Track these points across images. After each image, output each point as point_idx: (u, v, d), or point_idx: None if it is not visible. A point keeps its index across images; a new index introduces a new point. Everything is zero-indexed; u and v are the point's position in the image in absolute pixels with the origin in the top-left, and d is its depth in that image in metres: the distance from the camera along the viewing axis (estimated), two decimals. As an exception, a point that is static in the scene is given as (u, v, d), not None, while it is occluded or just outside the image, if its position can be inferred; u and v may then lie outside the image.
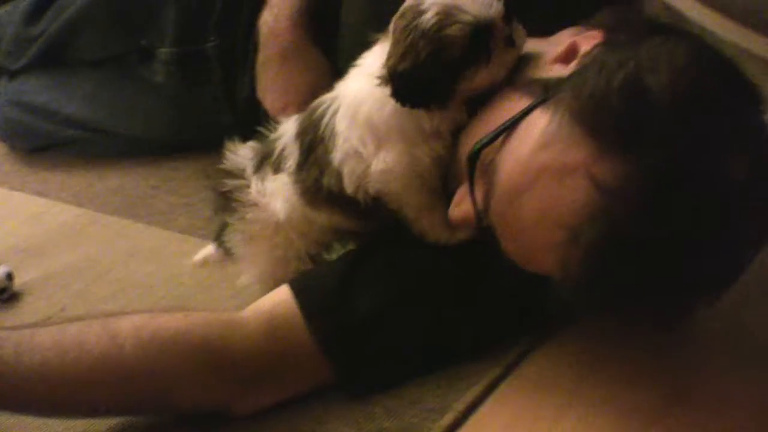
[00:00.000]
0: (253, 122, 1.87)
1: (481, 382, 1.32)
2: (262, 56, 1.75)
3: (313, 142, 1.33)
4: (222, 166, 1.47)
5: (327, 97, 1.35)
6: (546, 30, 1.30)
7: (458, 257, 1.31)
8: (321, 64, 1.73)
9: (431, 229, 1.31)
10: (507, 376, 1.35)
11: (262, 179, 1.41)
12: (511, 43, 1.19)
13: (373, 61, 1.27)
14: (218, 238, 1.51)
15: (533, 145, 1.11)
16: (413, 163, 1.26)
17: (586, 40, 1.18)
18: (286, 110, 1.69)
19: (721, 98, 1.05)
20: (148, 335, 1.21)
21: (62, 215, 1.96)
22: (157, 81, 2.06)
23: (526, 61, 1.23)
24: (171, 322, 1.24)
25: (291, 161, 1.37)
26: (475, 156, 1.17)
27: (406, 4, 1.20)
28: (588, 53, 1.14)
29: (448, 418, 1.26)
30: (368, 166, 1.27)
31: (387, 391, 1.31)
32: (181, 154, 2.16)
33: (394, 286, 1.32)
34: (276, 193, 1.40)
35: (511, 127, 1.15)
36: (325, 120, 1.31)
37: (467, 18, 1.14)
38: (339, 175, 1.30)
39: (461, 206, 1.23)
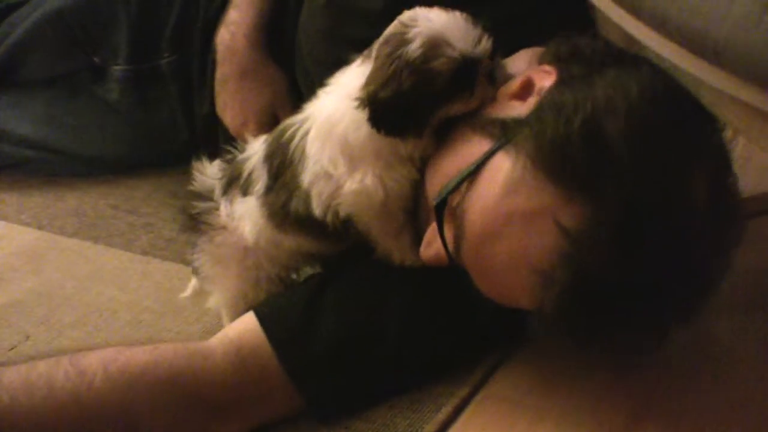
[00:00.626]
0: (211, 139, 1.88)
1: (450, 402, 1.33)
2: (220, 74, 1.75)
3: (282, 166, 1.33)
4: (191, 188, 1.46)
5: (297, 118, 1.34)
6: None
7: (422, 278, 1.32)
8: (279, 80, 1.73)
9: (399, 251, 1.32)
10: (475, 395, 1.36)
11: (231, 201, 1.41)
12: (492, 80, 1.20)
13: (350, 81, 1.26)
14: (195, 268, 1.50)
15: (499, 190, 1.11)
16: (388, 185, 1.26)
17: (540, 75, 1.18)
18: (245, 127, 1.70)
19: (675, 129, 1.07)
20: (116, 370, 1.21)
21: (21, 238, 1.94)
22: (111, 99, 2.04)
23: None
24: (139, 356, 1.23)
25: (259, 184, 1.37)
26: (442, 203, 1.18)
27: (390, 30, 1.20)
28: (545, 92, 1.14)
29: (420, 442, 1.26)
30: (339, 188, 1.27)
31: (358, 414, 1.32)
32: (138, 172, 2.15)
33: (359, 310, 1.33)
34: (245, 216, 1.39)
35: (474, 172, 1.15)
36: (295, 142, 1.31)
37: (454, 53, 1.15)
38: (307, 198, 1.30)
39: (432, 246, 1.24)
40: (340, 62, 1.33)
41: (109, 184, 2.13)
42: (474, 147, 1.17)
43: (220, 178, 1.43)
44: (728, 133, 1.20)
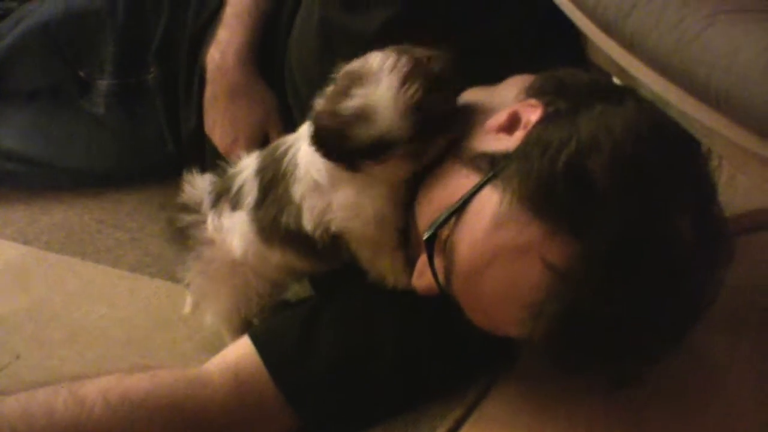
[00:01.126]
0: (198, 153, 1.88)
1: (444, 424, 1.35)
2: (209, 92, 1.75)
3: (274, 180, 1.35)
4: (179, 200, 1.47)
5: (291, 136, 1.37)
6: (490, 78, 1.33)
7: (416, 299, 1.33)
8: (269, 99, 1.74)
9: (392, 273, 1.33)
10: (469, 416, 1.37)
11: (219, 215, 1.42)
12: (415, 158, 1.21)
13: None
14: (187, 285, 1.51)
15: (487, 225, 1.13)
16: (370, 203, 1.27)
17: (526, 109, 1.19)
18: (235, 144, 1.70)
19: (660, 164, 1.08)
20: (116, 398, 1.22)
21: (8, 254, 1.93)
22: (97, 113, 2.03)
23: (470, 125, 1.25)
24: (138, 384, 1.24)
25: (250, 198, 1.38)
26: (432, 237, 1.19)
27: (356, 66, 1.21)
28: (531, 128, 1.15)
29: (416, 463, 1.28)
30: (329, 204, 1.28)
31: (354, 433, 1.33)
32: (124, 185, 2.14)
33: (354, 332, 1.35)
34: (233, 230, 1.40)
35: (462, 206, 1.16)
36: (288, 157, 1.33)
37: (372, 131, 1.17)
38: (298, 213, 1.31)
39: (424, 277, 1.25)
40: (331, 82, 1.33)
41: (95, 198, 2.11)
42: (462, 180, 1.18)
43: (210, 192, 1.45)
44: (713, 158, 1.22)
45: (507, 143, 1.16)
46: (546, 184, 1.07)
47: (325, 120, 1.20)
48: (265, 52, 1.74)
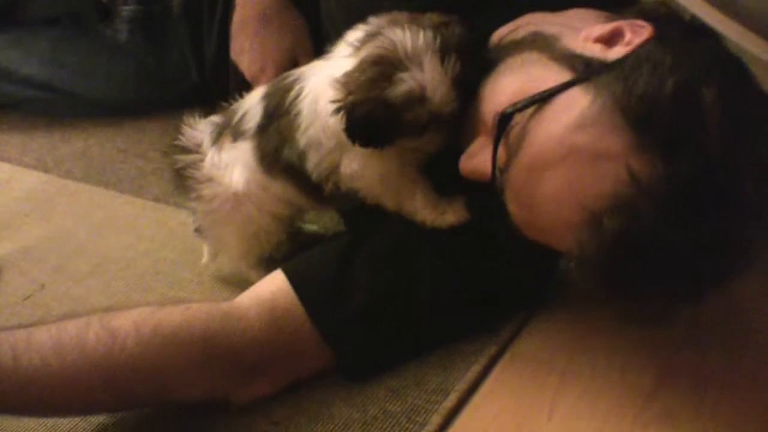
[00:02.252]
0: (221, 81, 1.84)
1: (479, 361, 1.34)
2: (238, 17, 1.70)
3: (278, 109, 1.33)
4: (177, 142, 1.45)
5: (300, 70, 1.35)
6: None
7: (451, 236, 1.31)
8: (300, 26, 1.69)
9: (419, 213, 1.31)
10: (504, 353, 1.37)
11: (220, 150, 1.40)
12: (451, 128, 1.24)
13: (336, 61, 1.26)
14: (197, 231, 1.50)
15: (569, 122, 1.10)
16: (379, 165, 1.27)
17: (632, 28, 1.16)
18: (263, 73, 1.67)
19: (759, 121, 1.07)
20: (148, 331, 1.20)
21: (28, 182, 1.91)
22: (120, 40, 2.00)
23: (552, 33, 1.22)
24: (171, 317, 1.22)
25: (253, 123, 1.36)
26: (508, 117, 1.15)
27: (380, 51, 1.20)
28: (641, 44, 1.12)
29: (451, 400, 1.28)
30: (336, 164, 1.29)
31: (389, 372, 1.33)
32: (145, 114, 2.11)
33: (390, 268, 1.33)
34: (234, 162, 1.39)
35: (548, 97, 1.13)
36: (293, 93, 1.31)
37: (425, 111, 1.18)
38: (302, 155, 1.30)
39: (474, 159, 1.22)
40: (368, 9, 1.31)
41: (116, 127, 2.09)
42: (551, 73, 1.15)
43: (211, 130, 1.43)
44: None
45: (605, 54, 1.13)
46: (651, 100, 1.04)
47: (369, 109, 1.18)
48: None
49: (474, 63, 1.21)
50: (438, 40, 1.18)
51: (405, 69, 1.17)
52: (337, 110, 1.20)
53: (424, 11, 1.25)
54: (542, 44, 1.20)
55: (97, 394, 1.19)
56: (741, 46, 1.02)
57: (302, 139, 1.30)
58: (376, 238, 1.34)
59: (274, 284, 1.30)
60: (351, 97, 1.19)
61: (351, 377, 1.31)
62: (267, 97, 1.37)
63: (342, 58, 1.26)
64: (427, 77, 1.17)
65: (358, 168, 1.28)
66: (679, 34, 1.13)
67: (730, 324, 1.40)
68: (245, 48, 1.70)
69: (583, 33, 1.18)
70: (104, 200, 1.84)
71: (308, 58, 1.66)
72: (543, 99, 1.13)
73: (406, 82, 1.17)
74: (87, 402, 1.20)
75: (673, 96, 1.03)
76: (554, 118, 1.11)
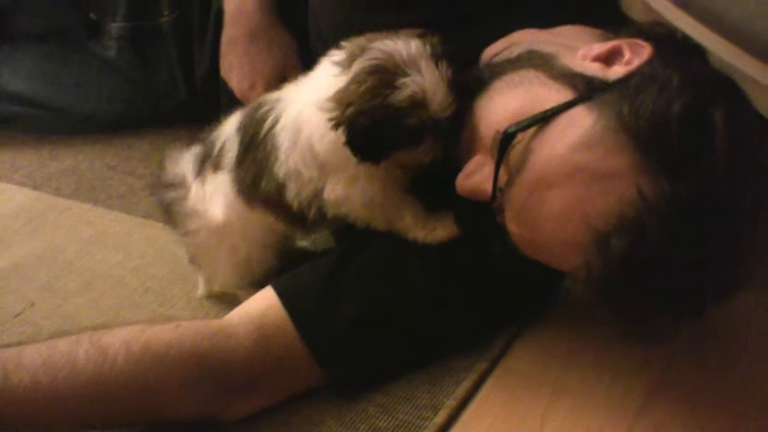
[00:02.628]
0: (210, 99, 1.85)
1: (469, 377, 1.34)
2: (227, 35, 1.71)
3: (254, 140, 1.35)
4: (161, 179, 1.47)
5: (271, 97, 1.36)
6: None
7: (441, 252, 1.32)
8: (289, 43, 1.70)
9: (407, 232, 1.33)
10: (494, 369, 1.37)
11: (203, 182, 1.42)
12: (444, 137, 1.25)
13: (321, 86, 1.26)
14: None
15: (573, 142, 1.11)
16: (364, 188, 1.29)
17: (632, 48, 1.17)
18: (252, 90, 1.68)
19: (757, 138, 1.09)
20: (139, 349, 1.20)
21: (17, 199, 1.91)
22: (109, 56, 2.00)
23: (549, 51, 1.23)
24: (161, 335, 1.22)
25: (230, 155, 1.38)
26: (510, 137, 1.16)
27: (376, 62, 1.21)
28: (643, 64, 1.14)
29: (441, 416, 1.27)
30: (318, 190, 1.30)
31: (378, 388, 1.32)
32: (135, 131, 2.12)
33: (379, 285, 1.32)
34: (215, 193, 1.41)
35: (551, 116, 1.14)
36: (268, 123, 1.32)
37: (427, 115, 1.20)
38: (281, 186, 1.32)
39: (473, 178, 1.23)
40: (359, 25, 1.32)
41: (105, 143, 2.09)
42: (552, 92, 1.16)
43: (194, 163, 1.44)
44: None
45: (604, 72, 1.15)
46: (660, 122, 1.05)
47: (374, 117, 1.19)
48: None
49: (462, 70, 1.24)
50: (428, 48, 1.20)
51: (405, 74, 1.18)
52: (336, 125, 1.21)
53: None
54: (540, 63, 1.21)
55: (87, 412, 1.19)
56: (732, 65, 1.03)
57: (280, 171, 1.31)
58: (366, 254, 1.34)
59: (264, 301, 1.30)
60: (351, 109, 1.20)
61: (341, 394, 1.30)
62: (242, 128, 1.38)
63: (325, 80, 1.27)
64: (427, 81, 1.19)
65: (343, 193, 1.29)
66: (678, 54, 1.14)
67: (721, 339, 1.40)
68: (234, 65, 1.71)
69: (581, 51, 1.19)
70: (94, 217, 1.83)
71: (297, 74, 1.67)
72: (546, 118, 1.14)
73: (409, 87, 1.18)
74: (77, 420, 1.20)
75: (681, 117, 1.04)
76: (558, 137, 1.12)
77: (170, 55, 1.96)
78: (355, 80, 1.21)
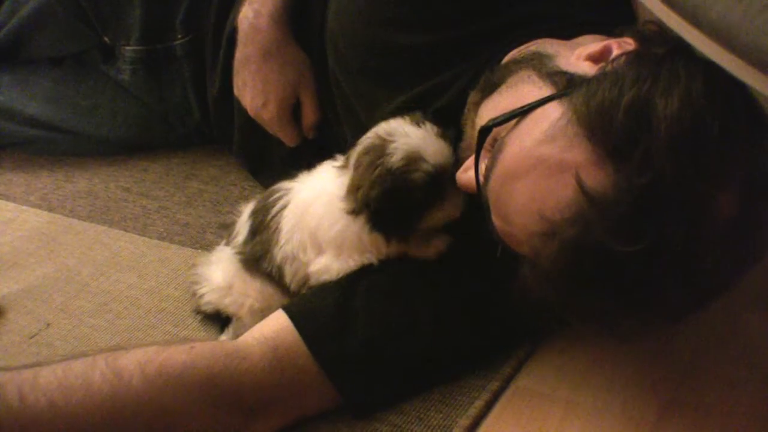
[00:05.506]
0: (223, 121, 1.86)
1: (482, 397, 1.34)
2: (240, 53, 1.73)
3: (261, 225, 1.41)
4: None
5: (284, 185, 1.42)
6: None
7: (452, 272, 1.33)
8: (302, 61, 1.72)
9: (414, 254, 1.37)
10: (506, 388, 1.37)
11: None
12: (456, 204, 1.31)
13: (328, 181, 1.37)
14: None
15: (539, 135, 1.13)
16: (348, 266, 1.34)
17: (620, 46, 1.19)
18: (265, 108, 1.69)
19: (724, 132, 1.05)
20: (153, 371, 1.21)
21: (32, 221, 1.92)
22: (123, 79, 2.01)
23: (549, 52, 1.26)
24: (176, 356, 1.23)
25: (240, 238, 1.46)
26: (486, 131, 1.20)
27: (369, 142, 1.30)
28: (612, 61, 1.15)
29: (454, 436, 1.27)
30: (305, 266, 1.37)
31: (391, 408, 1.33)
32: (149, 153, 2.13)
33: (391, 305, 1.34)
34: (218, 261, 1.48)
35: (525, 112, 1.16)
36: (276, 208, 1.39)
37: (428, 167, 1.26)
38: (279, 270, 1.39)
39: (468, 173, 1.25)
40: (375, 44, 1.38)
41: (119, 166, 2.11)
42: (535, 90, 1.19)
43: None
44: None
45: (590, 70, 1.17)
46: (606, 111, 1.06)
47: (381, 186, 1.26)
48: (301, 15, 1.71)
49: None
50: (407, 119, 1.31)
51: (393, 141, 1.26)
52: (356, 213, 1.29)
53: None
54: (536, 63, 1.24)
55: (104, 434, 1.20)
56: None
57: (278, 255, 1.38)
58: (376, 275, 1.35)
59: (278, 323, 1.31)
60: (361, 190, 1.27)
61: (354, 413, 1.31)
62: (254, 213, 1.45)
63: (330, 170, 1.37)
64: (414, 138, 1.27)
65: (327, 265, 1.36)
66: (662, 53, 1.13)
67: (733, 359, 1.40)
68: (247, 83, 1.72)
69: (577, 51, 1.22)
70: (108, 239, 1.84)
71: (310, 92, 1.70)
72: (522, 113, 1.17)
73: (399, 148, 1.26)
74: (94, 441, 1.20)
75: (627, 107, 1.05)
76: (528, 131, 1.15)
77: (184, 78, 1.97)
78: (356, 166, 1.30)
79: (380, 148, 1.28)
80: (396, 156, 1.26)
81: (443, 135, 1.29)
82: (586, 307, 1.15)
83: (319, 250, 1.36)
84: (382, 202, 1.27)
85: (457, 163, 1.29)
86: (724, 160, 1.06)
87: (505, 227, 1.20)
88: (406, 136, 1.27)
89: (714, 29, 0.94)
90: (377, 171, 1.27)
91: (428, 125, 1.28)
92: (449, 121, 1.37)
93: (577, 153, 1.09)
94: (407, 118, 1.31)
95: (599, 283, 1.09)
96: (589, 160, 1.07)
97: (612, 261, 1.05)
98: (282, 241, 1.38)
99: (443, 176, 1.28)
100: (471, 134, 1.32)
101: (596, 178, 1.06)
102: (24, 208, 1.98)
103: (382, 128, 1.31)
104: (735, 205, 1.06)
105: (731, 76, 1.00)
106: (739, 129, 1.07)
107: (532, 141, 1.14)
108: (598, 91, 1.09)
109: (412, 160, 1.25)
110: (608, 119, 1.06)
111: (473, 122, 1.31)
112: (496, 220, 1.21)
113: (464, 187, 1.28)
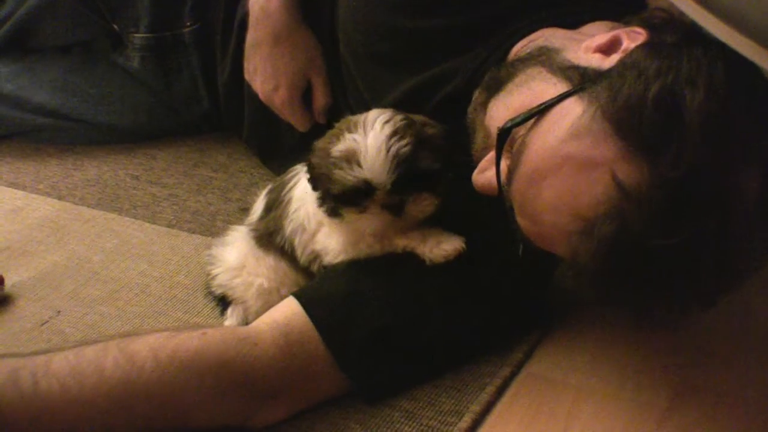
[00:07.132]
0: (232, 107, 1.86)
1: (493, 383, 1.34)
2: (251, 37, 1.73)
3: (275, 202, 1.42)
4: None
5: (302, 167, 1.40)
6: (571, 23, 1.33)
7: (464, 257, 1.32)
8: (313, 46, 1.72)
9: (415, 249, 1.34)
10: (517, 374, 1.37)
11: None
12: (395, 211, 1.26)
13: None
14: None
15: (563, 133, 1.13)
16: (355, 250, 1.34)
17: (629, 36, 1.19)
18: (276, 92, 1.70)
19: (750, 117, 1.07)
20: (166, 356, 1.21)
21: (42, 209, 1.93)
22: (132, 67, 2.01)
23: (555, 46, 1.26)
24: (188, 342, 1.23)
25: (255, 215, 1.47)
26: (505, 133, 1.19)
27: (341, 125, 1.28)
28: (630, 52, 1.15)
29: (465, 421, 1.28)
30: (314, 242, 1.37)
31: (403, 394, 1.33)
32: (158, 141, 2.14)
33: (401, 291, 1.33)
34: (233, 241, 1.48)
35: (544, 110, 1.16)
36: (290, 185, 1.40)
37: (353, 174, 1.22)
38: (290, 242, 1.38)
39: (486, 174, 1.26)
40: (384, 29, 1.37)
41: (128, 154, 2.11)
42: (549, 87, 1.19)
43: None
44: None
45: (601, 62, 1.17)
46: (635, 106, 1.06)
47: (316, 158, 1.28)
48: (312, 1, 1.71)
49: (430, 157, 1.24)
50: (401, 123, 1.23)
51: (354, 131, 1.23)
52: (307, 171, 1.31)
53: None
54: (544, 58, 1.24)
55: (115, 419, 1.20)
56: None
57: (289, 226, 1.37)
58: (386, 261, 1.35)
59: (289, 309, 1.31)
60: (318, 144, 1.30)
61: (365, 398, 1.31)
62: (270, 192, 1.46)
63: None
64: (365, 142, 1.21)
65: (321, 246, 1.36)
66: (675, 41, 1.14)
67: (745, 342, 1.41)
68: (258, 68, 1.72)
69: (585, 43, 1.22)
70: (118, 226, 1.85)
71: (321, 77, 1.70)
72: (540, 112, 1.17)
73: (346, 141, 1.23)
74: (104, 427, 1.21)
75: (655, 101, 1.05)
76: (549, 129, 1.15)
77: (192, 66, 1.98)
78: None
79: (341, 131, 1.26)
80: (340, 145, 1.24)
81: (400, 156, 1.21)
82: (624, 299, 1.16)
83: (320, 226, 1.36)
84: (311, 171, 1.29)
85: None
86: (750, 144, 1.07)
87: (533, 227, 1.20)
88: (365, 133, 1.22)
89: (725, 11, 0.93)
90: (324, 144, 1.27)
91: (404, 141, 1.21)
92: (457, 108, 1.36)
93: (605, 149, 1.08)
94: (395, 122, 1.24)
95: (637, 276, 1.10)
96: (619, 155, 1.07)
97: (650, 254, 1.06)
98: (292, 209, 1.38)
99: (369, 193, 1.24)
100: (480, 135, 1.32)
101: (629, 173, 1.06)
102: (33, 196, 1.98)
103: (365, 115, 1.27)
104: (759, 185, 1.07)
105: (745, 58, 1.00)
106: (759, 112, 1.07)
107: (556, 139, 1.13)
108: (623, 86, 1.08)
109: (349, 159, 1.22)
110: (637, 114, 1.06)
111: (482, 123, 1.31)
112: (521, 220, 1.20)
113: (482, 188, 1.27)
